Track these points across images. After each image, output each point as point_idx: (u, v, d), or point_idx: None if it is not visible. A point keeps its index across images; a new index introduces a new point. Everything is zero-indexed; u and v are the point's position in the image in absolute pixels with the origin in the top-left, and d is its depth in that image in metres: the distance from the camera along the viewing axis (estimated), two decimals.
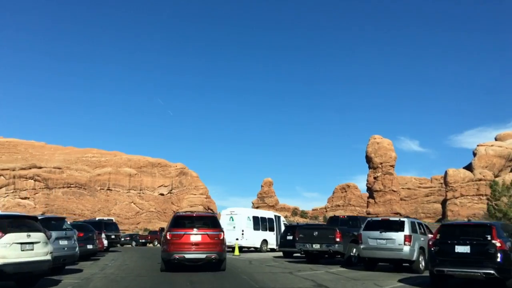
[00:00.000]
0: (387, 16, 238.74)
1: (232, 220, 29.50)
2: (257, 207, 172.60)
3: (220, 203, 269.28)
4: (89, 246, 21.85)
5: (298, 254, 23.29)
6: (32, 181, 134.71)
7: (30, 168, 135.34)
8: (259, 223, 30.37)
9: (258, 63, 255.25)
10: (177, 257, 14.90)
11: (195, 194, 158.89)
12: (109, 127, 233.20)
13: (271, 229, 31.23)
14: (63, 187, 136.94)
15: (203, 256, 14.97)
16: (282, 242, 25.82)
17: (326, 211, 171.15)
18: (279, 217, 32.99)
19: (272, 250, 30.71)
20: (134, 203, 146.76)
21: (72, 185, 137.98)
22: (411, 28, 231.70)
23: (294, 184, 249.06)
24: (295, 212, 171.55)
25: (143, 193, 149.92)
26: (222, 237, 15.52)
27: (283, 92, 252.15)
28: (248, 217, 29.92)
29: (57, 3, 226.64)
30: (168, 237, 15.19)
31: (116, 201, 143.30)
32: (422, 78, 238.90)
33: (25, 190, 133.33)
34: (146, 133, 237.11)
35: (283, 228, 30.86)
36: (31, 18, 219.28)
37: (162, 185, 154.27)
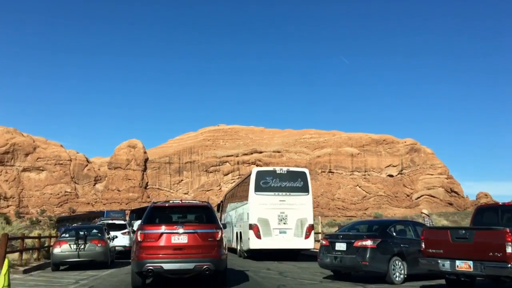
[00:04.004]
0: None
1: None
2: None
3: (468, 185, 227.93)
4: None
5: None
6: (254, 166, 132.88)
7: (251, 153, 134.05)
8: None
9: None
10: (151, 267, 10.21)
11: (432, 174, 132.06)
12: (326, 105, 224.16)
13: None
14: None
15: (191, 265, 10.34)
16: None
17: None
18: None
19: None
20: (359, 186, 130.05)
21: None
22: None
23: None
24: None
25: (368, 174, 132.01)
26: (219, 237, 10.78)
27: None
28: None
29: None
30: (139, 238, 10.57)
31: (340, 185, 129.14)
32: None
33: None
34: (367, 107, 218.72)
35: None
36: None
37: (390, 165, 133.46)
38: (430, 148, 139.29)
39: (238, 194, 24.07)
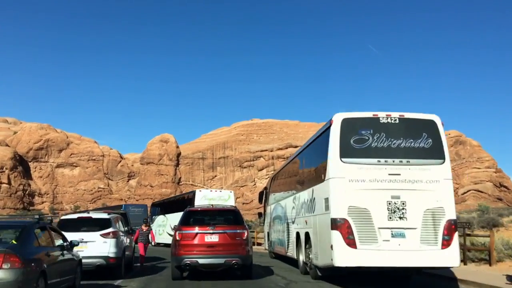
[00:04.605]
0: None
1: None
2: None
3: None
4: None
5: None
6: None
7: (286, 148, 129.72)
8: None
9: None
10: (188, 262, 12.51)
11: (479, 168, 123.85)
12: (362, 98, 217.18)
13: None
14: None
15: (222, 260, 12.53)
16: None
17: None
18: None
19: None
20: None
21: None
22: None
23: None
24: None
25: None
26: (245, 237, 12.96)
27: None
28: None
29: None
30: (177, 237, 12.85)
31: None
32: None
33: None
34: (406, 98, 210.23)
35: None
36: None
37: None
38: (476, 140, 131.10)
39: (300, 168, 15.31)
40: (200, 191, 31.62)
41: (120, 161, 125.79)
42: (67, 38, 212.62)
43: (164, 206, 37.61)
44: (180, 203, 32.38)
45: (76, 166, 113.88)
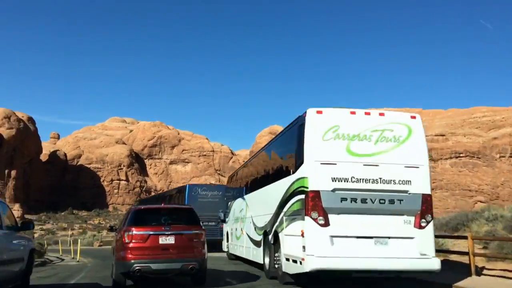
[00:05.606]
0: None
1: None
2: None
3: None
4: None
5: None
6: None
7: None
8: None
9: None
10: (138, 267, 10.54)
11: None
12: (498, 78, 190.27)
13: None
14: (451, 158, 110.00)
15: (178, 265, 10.85)
16: None
17: None
18: None
19: None
20: None
21: (461, 154, 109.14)
22: None
23: None
24: None
25: None
26: (203, 238, 11.46)
27: None
28: None
29: None
30: (126, 239, 10.82)
31: None
32: None
33: None
34: None
35: None
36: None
37: None
38: None
39: None
40: (319, 111, 10.54)
41: (232, 157, 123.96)
42: (181, 45, 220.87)
43: (248, 180, 17.70)
44: (278, 170, 12.96)
45: (188, 162, 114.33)
